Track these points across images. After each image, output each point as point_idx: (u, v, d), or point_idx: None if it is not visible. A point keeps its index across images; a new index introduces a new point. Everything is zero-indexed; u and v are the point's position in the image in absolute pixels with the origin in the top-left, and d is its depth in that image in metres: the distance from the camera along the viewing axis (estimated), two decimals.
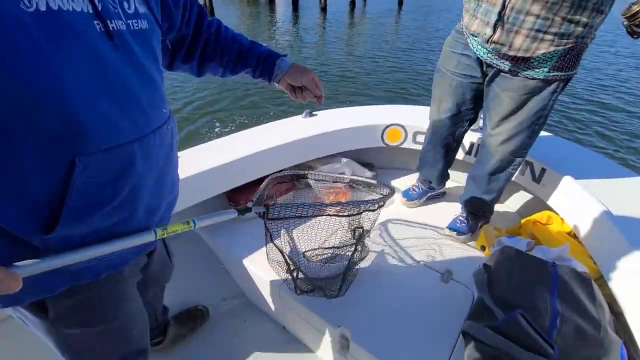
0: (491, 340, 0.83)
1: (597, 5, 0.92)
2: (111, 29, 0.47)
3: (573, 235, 1.23)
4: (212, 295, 1.44)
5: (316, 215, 0.98)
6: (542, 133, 1.59)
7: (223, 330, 1.34)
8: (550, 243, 1.19)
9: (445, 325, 1.06)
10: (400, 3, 13.89)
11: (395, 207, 1.62)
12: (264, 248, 1.37)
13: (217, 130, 4.61)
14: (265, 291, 1.30)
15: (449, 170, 1.59)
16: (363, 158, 1.82)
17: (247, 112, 5.17)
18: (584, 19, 0.93)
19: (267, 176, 1.51)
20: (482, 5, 1.04)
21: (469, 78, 1.21)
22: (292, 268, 1.09)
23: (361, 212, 0.97)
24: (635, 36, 0.95)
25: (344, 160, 1.67)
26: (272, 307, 1.33)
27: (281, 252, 1.05)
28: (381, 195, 1.05)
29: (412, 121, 1.68)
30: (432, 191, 1.62)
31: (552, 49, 0.98)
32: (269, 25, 13.92)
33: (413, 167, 1.70)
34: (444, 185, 1.65)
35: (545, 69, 1.02)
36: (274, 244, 1.02)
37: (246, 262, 1.31)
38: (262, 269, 1.27)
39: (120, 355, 0.78)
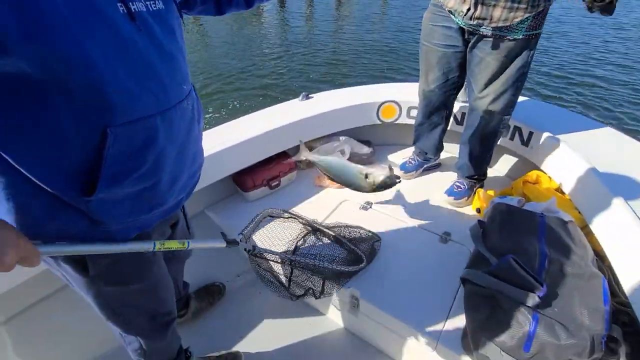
0: (487, 283, 0.93)
1: None
2: (133, 10, 0.52)
3: (560, 190, 1.32)
4: (228, 272, 1.53)
5: (298, 266, 1.07)
6: (529, 99, 1.67)
7: (239, 303, 1.44)
8: (539, 199, 1.28)
9: (446, 278, 1.16)
10: None
11: None
12: (270, 224, 1.46)
13: (208, 116, 4.63)
14: (274, 264, 1.39)
15: (443, 143, 1.67)
16: (361, 135, 1.89)
17: (240, 96, 5.18)
18: None
19: (270, 158, 1.59)
20: None
21: (452, 48, 1.29)
22: (283, 281, 1.15)
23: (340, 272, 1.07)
24: (592, 10, 1.00)
25: (342, 138, 1.74)
26: (283, 280, 1.42)
27: (270, 272, 1.12)
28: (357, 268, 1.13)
29: (406, 97, 1.75)
30: (427, 162, 1.71)
31: (526, 15, 1.07)
32: (257, 10, 13.68)
33: (409, 142, 1.77)
34: (439, 156, 1.73)
35: (523, 29, 1.10)
36: (261, 270, 1.10)
37: (254, 237, 1.39)
38: (268, 242, 1.35)
39: (151, 314, 0.85)
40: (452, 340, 1.00)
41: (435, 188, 1.61)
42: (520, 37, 1.12)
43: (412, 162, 1.70)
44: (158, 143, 0.59)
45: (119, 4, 0.51)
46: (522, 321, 0.85)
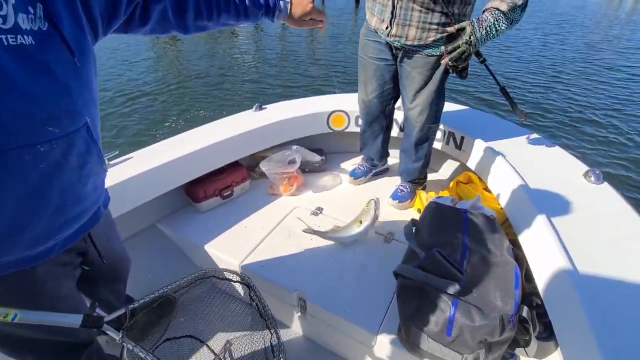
0: (415, 275, 1.01)
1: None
2: None
3: (487, 189, 1.45)
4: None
5: None
6: (461, 107, 1.82)
7: (191, 315, 1.43)
8: (469, 197, 1.40)
9: (388, 275, 1.23)
10: (357, 1, 14.53)
11: (344, 186, 1.79)
12: (223, 233, 1.48)
13: (167, 123, 4.59)
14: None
15: (389, 150, 1.78)
16: (313, 144, 1.96)
17: (199, 107, 5.18)
18: (456, 10, 1.16)
19: (222, 168, 1.61)
20: (377, 6, 1.26)
21: (384, 61, 1.40)
22: None
23: None
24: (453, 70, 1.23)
25: (294, 147, 1.80)
26: (235, 286, 1.43)
27: None
28: None
29: (354, 107, 1.85)
30: (375, 168, 1.80)
31: (438, 36, 1.20)
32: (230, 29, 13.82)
33: (359, 150, 1.86)
34: (386, 161, 1.83)
35: (439, 48, 1.23)
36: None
37: (207, 247, 1.40)
38: (221, 250, 1.37)
39: (52, 346, 0.78)
40: (390, 333, 1.06)
41: (382, 192, 1.70)
42: (438, 53, 1.24)
43: (361, 168, 1.79)
44: None
45: None
46: (444, 308, 0.93)
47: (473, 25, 1.11)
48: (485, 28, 1.10)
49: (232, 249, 1.38)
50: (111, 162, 1.37)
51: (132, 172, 1.30)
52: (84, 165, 0.65)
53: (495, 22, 1.10)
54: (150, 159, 1.38)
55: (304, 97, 2.06)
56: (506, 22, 1.09)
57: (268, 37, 10.30)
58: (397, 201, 1.61)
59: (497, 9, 1.08)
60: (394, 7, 1.20)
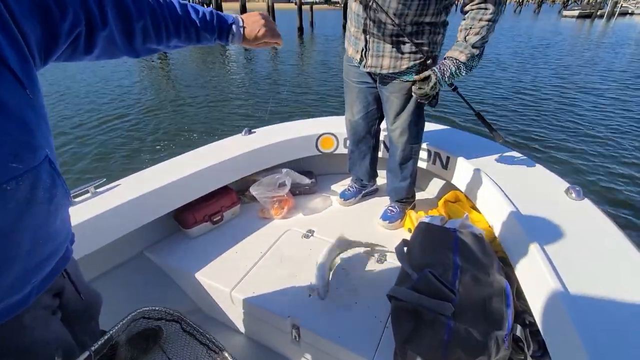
0: (408, 297, 1.01)
1: (433, 30, 1.23)
2: None
3: (475, 207, 1.48)
4: None
5: None
6: (446, 127, 1.88)
7: (180, 347, 1.38)
8: (458, 216, 1.42)
9: (382, 298, 1.22)
10: (345, 27, 15.13)
11: (335, 208, 1.79)
12: (214, 259, 1.46)
13: (146, 157, 4.58)
14: (219, 300, 1.38)
15: (378, 170, 1.81)
16: (303, 167, 1.98)
17: (190, 132, 5.18)
18: (426, 40, 1.24)
19: (212, 193, 1.61)
20: (352, 38, 1.33)
21: (366, 84, 1.46)
22: None
23: None
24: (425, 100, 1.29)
25: (284, 170, 1.81)
26: (228, 314, 1.40)
27: None
28: None
29: (342, 129, 1.89)
30: (365, 189, 1.83)
31: (411, 63, 1.26)
32: (221, 49, 14.18)
33: (348, 171, 1.89)
34: (375, 182, 1.86)
35: (413, 74, 1.29)
36: None
37: (197, 274, 1.38)
38: (212, 278, 1.35)
39: None
40: (387, 358, 1.05)
41: (372, 213, 1.72)
42: (412, 79, 1.30)
43: (351, 189, 1.81)
44: None
45: None
46: (439, 330, 0.93)
47: (436, 75, 1.21)
48: (448, 77, 1.21)
49: (223, 275, 1.35)
50: (98, 190, 1.35)
51: (120, 199, 1.28)
52: (52, 199, 0.62)
53: (457, 70, 1.20)
54: (138, 186, 1.37)
55: (293, 120, 2.09)
56: (466, 70, 1.21)
57: (257, 63, 10.56)
58: (387, 221, 1.62)
59: (457, 59, 1.19)
60: (366, 40, 1.27)
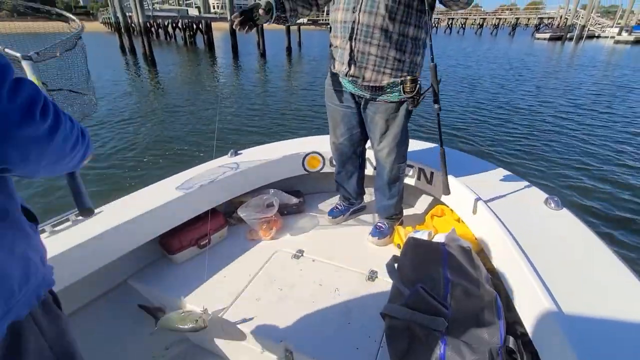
0: (402, 314, 0.99)
1: (414, 49, 1.29)
2: None
3: (460, 220, 1.50)
4: (154, 346, 1.40)
5: None
6: (429, 144, 1.92)
7: None
8: (445, 230, 1.43)
9: (375, 316, 1.20)
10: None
11: (323, 226, 1.78)
12: (202, 285, 1.41)
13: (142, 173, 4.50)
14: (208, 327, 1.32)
15: (365, 187, 1.82)
16: (290, 186, 1.98)
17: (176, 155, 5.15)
18: (407, 59, 1.29)
19: (198, 216, 1.58)
20: (339, 51, 1.36)
21: (349, 108, 1.49)
22: None
23: None
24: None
25: (271, 191, 1.81)
26: (217, 342, 1.34)
27: None
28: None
29: (327, 148, 1.91)
30: (352, 206, 1.83)
31: (392, 80, 1.30)
32: (211, 69, 14.40)
33: (335, 189, 1.89)
34: (362, 199, 1.87)
35: (397, 94, 1.33)
36: None
37: (185, 301, 1.33)
38: (200, 304, 1.30)
39: None
40: None
41: (361, 230, 1.71)
42: (396, 100, 1.35)
43: (339, 207, 1.81)
44: None
45: None
46: (434, 346, 0.91)
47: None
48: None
49: (211, 301, 1.31)
50: (79, 218, 1.31)
51: (103, 227, 1.24)
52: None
53: None
54: (122, 212, 1.33)
55: (279, 141, 2.11)
56: None
57: (244, 88, 10.74)
58: (376, 238, 1.61)
59: None
60: (351, 48, 1.29)
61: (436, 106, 1.26)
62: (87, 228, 1.24)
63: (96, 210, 1.36)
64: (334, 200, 1.96)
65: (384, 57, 1.27)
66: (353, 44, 1.28)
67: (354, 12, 1.24)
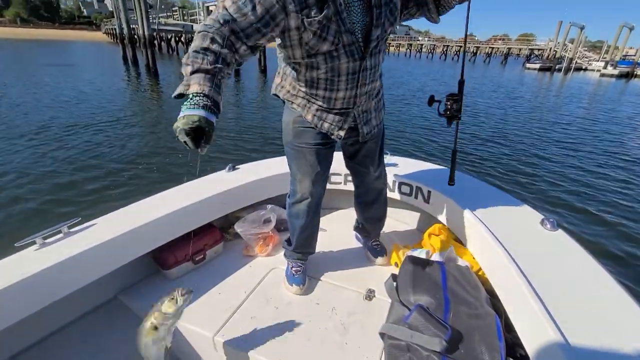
0: (401, 334, 0.97)
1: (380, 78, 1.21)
2: None
3: (458, 239, 1.50)
4: None
5: None
6: (427, 165, 1.94)
7: None
8: (442, 249, 1.43)
9: (373, 336, 1.17)
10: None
11: (320, 244, 1.74)
12: (195, 302, 1.37)
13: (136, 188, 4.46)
14: (200, 346, 1.28)
15: (345, 201, 1.78)
16: None
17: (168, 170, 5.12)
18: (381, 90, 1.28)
19: (194, 230, 1.55)
20: (331, 116, 1.16)
21: (325, 145, 1.25)
22: None
23: None
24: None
25: (269, 206, 1.80)
26: None
27: None
28: None
29: None
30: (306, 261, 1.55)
31: (382, 114, 1.31)
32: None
33: (333, 205, 1.89)
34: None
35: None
36: None
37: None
38: (193, 322, 1.26)
39: None
40: None
41: (358, 249, 1.69)
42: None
43: (299, 269, 1.50)
44: None
45: None
46: None
47: None
48: None
49: (205, 319, 1.27)
50: (72, 230, 1.28)
51: (96, 239, 1.21)
52: None
53: None
54: (116, 225, 1.31)
55: (277, 156, 2.11)
56: None
57: (242, 103, 10.88)
58: (380, 257, 1.60)
59: None
60: (355, 115, 1.18)
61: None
62: (79, 240, 1.21)
63: (89, 223, 1.34)
64: (331, 217, 1.95)
65: (377, 95, 1.24)
66: (356, 113, 1.18)
67: (370, 56, 1.06)
